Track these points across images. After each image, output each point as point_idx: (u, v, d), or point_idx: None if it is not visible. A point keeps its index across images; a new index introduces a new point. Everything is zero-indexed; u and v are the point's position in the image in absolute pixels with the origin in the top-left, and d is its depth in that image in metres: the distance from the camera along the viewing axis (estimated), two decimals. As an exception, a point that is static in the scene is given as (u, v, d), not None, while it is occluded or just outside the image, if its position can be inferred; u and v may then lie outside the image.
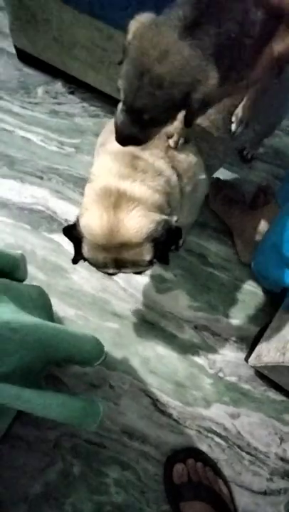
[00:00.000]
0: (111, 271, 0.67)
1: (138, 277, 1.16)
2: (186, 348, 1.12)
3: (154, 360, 1.09)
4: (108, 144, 0.72)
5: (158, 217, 0.65)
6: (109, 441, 1.01)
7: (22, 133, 1.27)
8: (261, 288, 1.17)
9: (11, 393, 0.44)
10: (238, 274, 1.20)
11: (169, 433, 1.03)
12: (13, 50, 1.34)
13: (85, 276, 1.15)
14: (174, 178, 0.72)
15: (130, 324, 1.12)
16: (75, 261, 0.69)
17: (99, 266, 0.67)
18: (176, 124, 0.65)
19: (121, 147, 0.68)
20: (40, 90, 1.33)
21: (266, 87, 0.72)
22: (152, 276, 1.17)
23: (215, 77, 0.48)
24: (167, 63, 0.45)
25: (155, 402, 1.06)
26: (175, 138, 0.72)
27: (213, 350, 1.12)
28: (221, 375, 1.10)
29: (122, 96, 0.51)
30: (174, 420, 1.05)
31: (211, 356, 1.12)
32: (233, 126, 0.77)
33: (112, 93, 1.24)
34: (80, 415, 0.57)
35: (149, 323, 1.13)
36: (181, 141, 0.73)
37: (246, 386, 1.10)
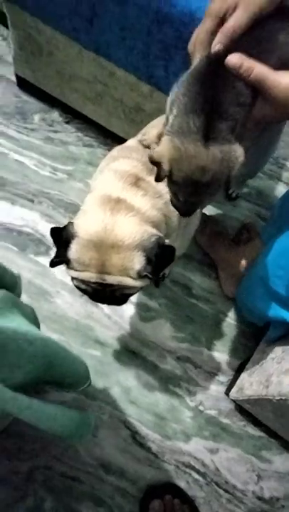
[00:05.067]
0: (94, 278, 0.63)
1: (123, 305, 1.16)
2: (167, 379, 1.11)
3: (135, 391, 1.08)
4: (114, 162, 0.74)
5: (154, 230, 0.66)
6: (84, 475, 0.97)
7: (16, 156, 1.29)
8: (244, 321, 1.19)
9: (25, 402, 0.42)
10: (221, 307, 1.22)
11: (147, 467, 1.00)
12: (14, 78, 1.38)
13: (69, 301, 1.14)
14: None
15: (113, 352, 1.11)
16: (53, 263, 0.65)
17: (81, 268, 0.63)
18: None
19: (126, 167, 0.71)
20: (36, 117, 1.37)
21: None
22: (137, 305, 1.17)
23: (242, 153, 0.55)
24: (209, 172, 0.54)
25: (134, 435, 1.03)
26: None
27: (194, 382, 1.12)
28: (201, 408, 1.10)
29: (180, 198, 0.60)
30: (153, 454, 1.02)
31: (192, 388, 1.11)
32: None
33: (107, 126, 1.29)
34: (78, 425, 0.55)
35: (132, 352, 1.12)
36: None
37: (226, 420, 1.09)
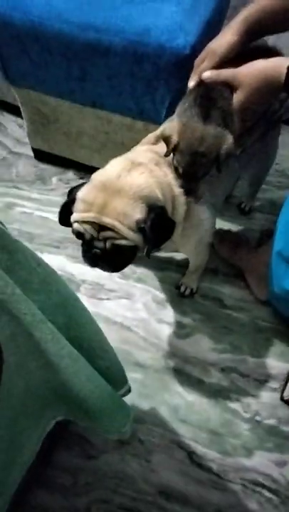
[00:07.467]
0: (91, 217, 0.67)
1: (157, 326, 1.16)
2: (215, 393, 1.06)
3: (183, 409, 1.03)
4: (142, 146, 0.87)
5: (162, 197, 0.72)
6: (144, 505, 0.90)
7: (39, 213, 1.43)
8: (285, 323, 1.15)
9: (68, 347, 0.45)
10: (257, 313, 1.19)
11: (211, 490, 0.92)
12: (31, 153, 1.58)
13: (103, 329, 1.15)
14: (182, 199, 0.81)
15: (154, 373, 1.09)
16: (62, 207, 0.74)
17: (84, 207, 0.68)
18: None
19: (152, 152, 0.82)
20: (54, 179, 1.53)
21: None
22: (170, 324, 1.17)
23: (231, 138, 0.76)
24: (205, 143, 0.74)
25: (191, 455, 0.96)
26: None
27: (244, 392, 1.06)
28: (258, 418, 1.02)
29: (180, 171, 0.78)
30: (215, 474, 0.94)
31: (244, 399, 1.05)
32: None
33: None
34: (117, 405, 0.54)
35: (174, 370, 1.09)
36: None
37: (288, 428, 1.00)
